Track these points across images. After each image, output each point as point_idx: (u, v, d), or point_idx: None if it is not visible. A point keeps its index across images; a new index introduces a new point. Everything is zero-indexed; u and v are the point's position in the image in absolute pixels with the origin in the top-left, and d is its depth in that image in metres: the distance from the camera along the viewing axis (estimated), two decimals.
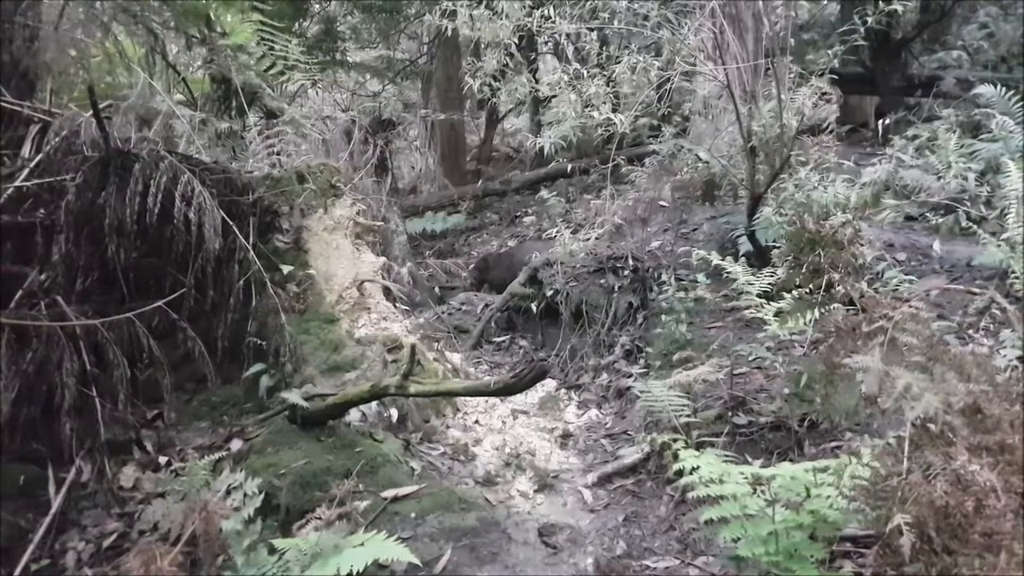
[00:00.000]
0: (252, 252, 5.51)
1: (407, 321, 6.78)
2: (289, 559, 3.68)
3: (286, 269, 5.82)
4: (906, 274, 6.28)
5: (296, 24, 11.87)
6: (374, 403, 5.19)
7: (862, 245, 5.86)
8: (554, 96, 7.59)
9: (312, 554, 3.60)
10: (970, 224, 6.72)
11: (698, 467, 3.39)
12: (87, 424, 4.80)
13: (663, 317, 6.75)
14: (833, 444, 4.79)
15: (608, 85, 7.30)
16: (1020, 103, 8.93)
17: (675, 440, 3.74)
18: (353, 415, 5.16)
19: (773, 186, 6.97)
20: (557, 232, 7.76)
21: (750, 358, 5.83)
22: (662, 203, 9.86)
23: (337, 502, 4.12)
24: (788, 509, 3.27)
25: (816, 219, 5.87)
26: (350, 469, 4.58)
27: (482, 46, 7.96)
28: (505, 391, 4.71)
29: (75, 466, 4.76)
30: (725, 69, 6.97)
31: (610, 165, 7.74)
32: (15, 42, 5.98)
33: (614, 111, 7.24)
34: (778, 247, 6.20)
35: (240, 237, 5.49)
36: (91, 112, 5.20)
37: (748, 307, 5.32)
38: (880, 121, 11.48)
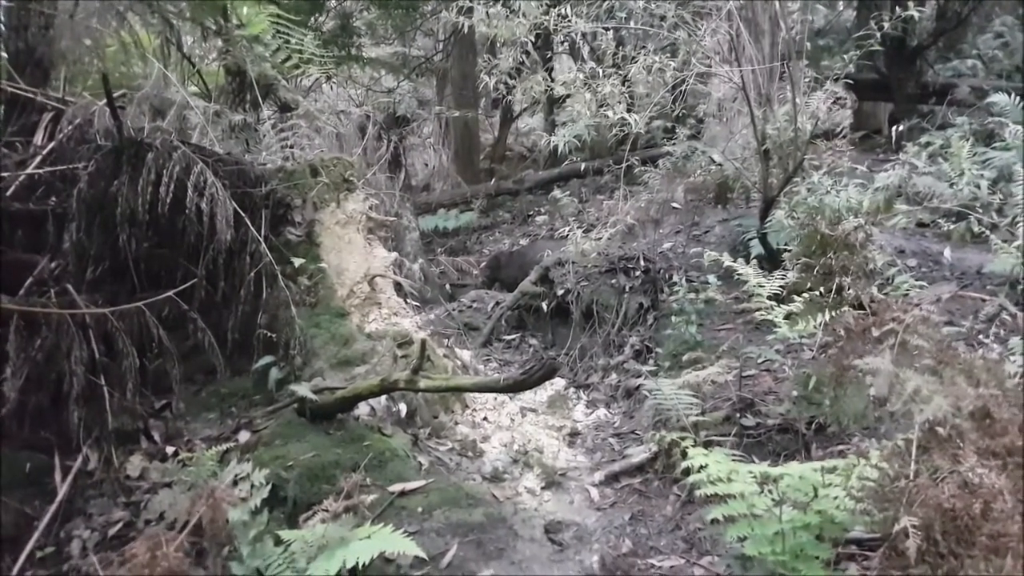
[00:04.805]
0: (264, 244, 5.51)
1: (418, 317, 6.79)
2: (295, 551, 3.69)
3: (297, 262, 5.81)
4: (917, 280, 6.25)
5: (312, 18, 11.85)
6: (383, 398, 5.19)
7: (873, 250, 5.84)
8: (569, 95, 7.59)
9: (318, 546, 3.62)
10: (982, 231, 6.69)
11: (706, 465, 3.39)
12: (95, 413, 4.81)
13: (673, 318, 6.74)
14: (841, 447, 4.78)
15: (623, 85, 7.28)
16: None
17: (683, 439, 3.74)
18: (362, 409, 5.17)
19: (786, 189, 6.95)
20: (569, 232, 7.75)
21: (759, 360, 5.83)
22: (675, 205, 9.86)
23: (344, 495, 4.11)
24: (795, 509, 3.27)
25: (828, 223, 5.85)
26: (358, 463, 4.57)
27: (498, 44, 7.94)
28: (514, 388, 4.70)
29: (82, 455, 4.78)
30: (740, 72, 6.96)
31: (623, 166, 7.73)
32: (30, 29, 6.01)
33: (629, 111, 7.22)
34: (789, 250, 6.19)
35: (252, 229, 5.49)
36: (105, 101, 5.22)
37: (758, 309, 5.31)
38: (894, 127, 11.43)
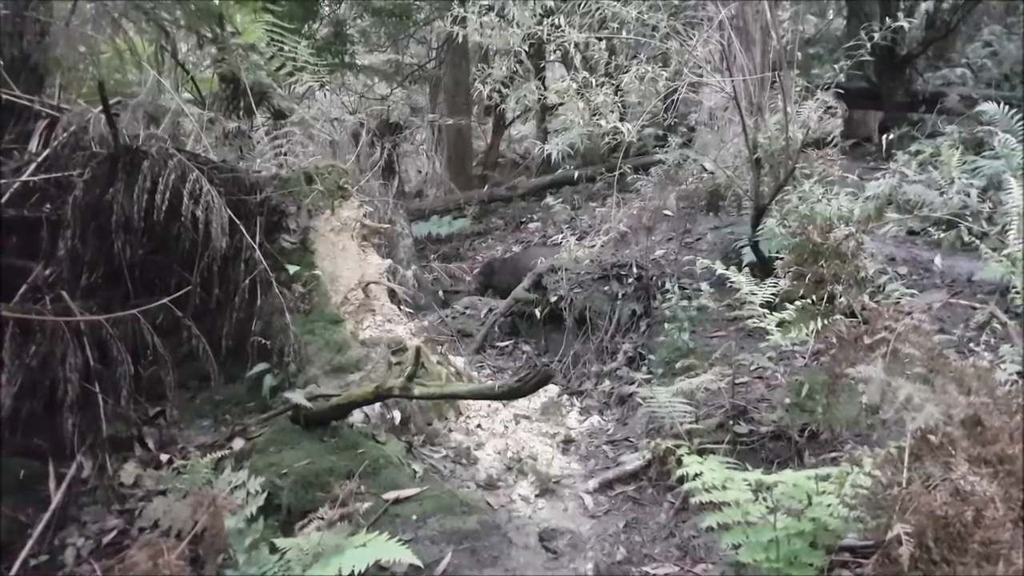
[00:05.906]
0: (258, 251, 5.52)
1: (412, 324, 6.78)
2: (291, 558, 3.69)
3: (292, 269, 5.82)
4: (908, 288, 6.30)
5: (306, 26, 11.87)
6: (377, 405, 5.19)
7: (865, 258, 5.86)
8: (562, 104, 7.59)
9: (314, 554, 3.62)
10: (972, 239, 6.72)
11: (700, 473, 3.41)
12: (89, 420, 4.80)
13: (666, 325, 6.75)
14: (833, 454, 4.80)
15: (616, 94, 7.31)
16: (1022, 121, 8.93)
17: (677, 446, 3.76)
18: (356, 416, 5.16)
19: (777, 198, 6.98)
20: (562, 238, 7.77)
21: (752, 367, 5.84)
22: (667, 212, 9.85)
23: (339, 503, 4.12)
24: (789, 516, 3.28)
25: (819, 231, 5.87)
26: (352, 470, 4.59)
27: (491, 52, 7.96)
28: (509, 395, 4.71)
29: (76, 462, 4.77)
30: (732, 81, 6.98)
31: (616, 173, 7.74)
32: (25, 37, 5.99)
33: (621, 120, 7.26)
34: (781, 258, 6.20)
35: (247, 236, 5.49)
36: (100, 108, 5.21)
37: (751, 317, 5.32)
38: (884, 136, 11.46)
